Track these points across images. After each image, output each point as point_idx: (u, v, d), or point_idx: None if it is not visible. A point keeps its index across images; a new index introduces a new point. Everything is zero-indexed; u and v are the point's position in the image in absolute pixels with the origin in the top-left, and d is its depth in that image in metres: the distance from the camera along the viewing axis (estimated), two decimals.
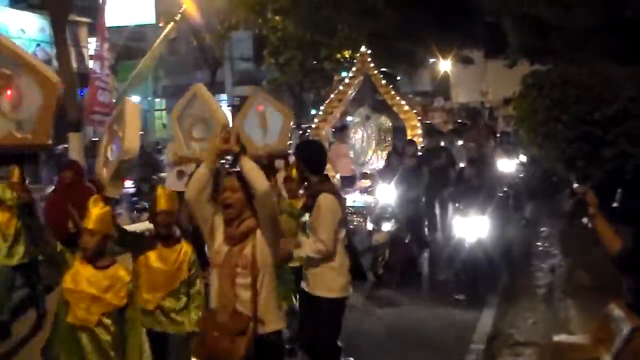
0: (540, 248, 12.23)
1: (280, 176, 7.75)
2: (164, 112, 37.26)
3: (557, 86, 11.78)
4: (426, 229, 12.17)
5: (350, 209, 11.02)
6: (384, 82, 14.15)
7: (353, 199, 11.75)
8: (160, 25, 21.49)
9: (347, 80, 14.12)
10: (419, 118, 15.76)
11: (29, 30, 21.86)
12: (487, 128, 21.70)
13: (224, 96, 36.86)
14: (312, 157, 5.99)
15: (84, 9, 20.70)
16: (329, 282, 5.78)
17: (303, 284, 5.98)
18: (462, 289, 9.41)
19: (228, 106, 37.57)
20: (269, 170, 6.54)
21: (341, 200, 5.96)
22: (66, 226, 7.72)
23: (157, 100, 35.70)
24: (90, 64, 16.54)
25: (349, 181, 13.49)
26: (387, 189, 10.78)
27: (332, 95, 14.34)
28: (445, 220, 12.10)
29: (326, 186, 5.84)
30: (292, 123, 8.72)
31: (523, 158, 15.92)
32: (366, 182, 12.91)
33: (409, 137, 12.98)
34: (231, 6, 20.68)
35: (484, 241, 9.50)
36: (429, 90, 46.70)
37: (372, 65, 14.05)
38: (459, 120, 29.85)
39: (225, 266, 4.45)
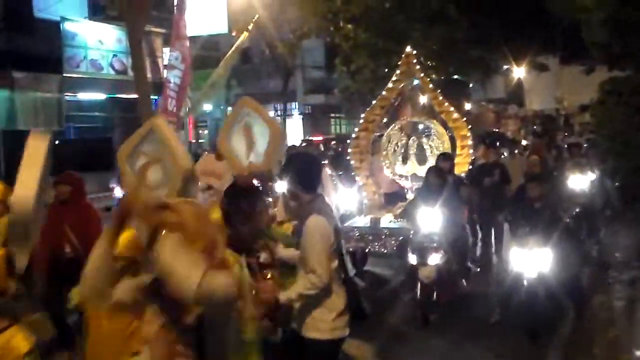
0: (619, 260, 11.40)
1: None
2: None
3: (637, 93, 11.39)
4: (471, 260, 10.86)
5: (385, 231, 10.30)
6: (431, 86, 12.58)
7: (389, 219, 10.79)
8: (234, 34, 21.71)
9: (390, 85, 12.44)
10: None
11: (106, 41, 22.44)
12: (550, 137, 19.72)
13: (295, 104, 37.11)
14: (303, 170, 5.02)
15: (159, 19, 21.15)
16: (317, 321, 4.82)
17: (293, 324, 5.01)
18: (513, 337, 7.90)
19: (300, 114, 37.82)
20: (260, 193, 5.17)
21: (333, 222, 5.05)
22: (62, 249, 7.07)
23: (230, 108, 36.15)
24: (165, 73, 16.83)
25: (394, 198, 12.03)
26: (431, 213, 8.96)
27: (374, 102, 12.76)
28: (500, 250, 11.38)
29: (316, 206, 4.89)
30: (282, 139, 8.23)
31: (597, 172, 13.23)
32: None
33: (458, 148, 11.70)
34: (303, 15, 20.78)
35: (546, 278, 7.87)
36: (503, 98, 45.98)
37: (418, 67, 12.48)
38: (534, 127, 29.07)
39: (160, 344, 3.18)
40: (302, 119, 37.22)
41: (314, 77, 37.03)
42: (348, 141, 14.47)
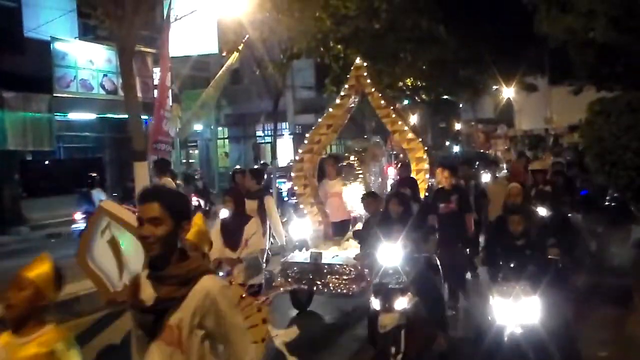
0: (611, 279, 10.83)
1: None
2: (226, 141, 37.73)
3: (625, 113, 11.47)
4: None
5: (326, 267, 9.09)
6: (383, 102, 10.84)
7: (333, 253, 9.58)
8: (224, 55, 21.73)
9: (338, 101, 11.05)
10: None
11: (96, 61, 22.42)
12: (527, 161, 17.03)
13: (285, 125, 37.13)
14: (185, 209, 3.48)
15: (150, 39, 21.16)
16: None
17: None
18: None
19: (290, 134, 37.85)
20: None
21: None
22: None
23: (220, 128, 36.17)
24: (155, 93, 16.83)
25: (342, 228, 10.71)
26: (393, 248, 7.35)
27: (319, 120, 11.35)
28: (465, 293, 9.88)
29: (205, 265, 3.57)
30: None
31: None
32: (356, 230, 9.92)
33: (413, 173, 10.44)
34: (293, 35, 20.81)
35: (534, 331, 6.71)
36: (492, 118, 46.24)
37: (369, 81, 10.85)
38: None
39: None
40: (293, 139, 37.22)
41: (304, 97, 37.10)
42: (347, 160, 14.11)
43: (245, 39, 19.12)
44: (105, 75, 22.72)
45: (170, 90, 15.93)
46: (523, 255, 7.08)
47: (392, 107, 10.89)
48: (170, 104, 15.86)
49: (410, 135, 10.58)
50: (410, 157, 10.61)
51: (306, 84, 36.36)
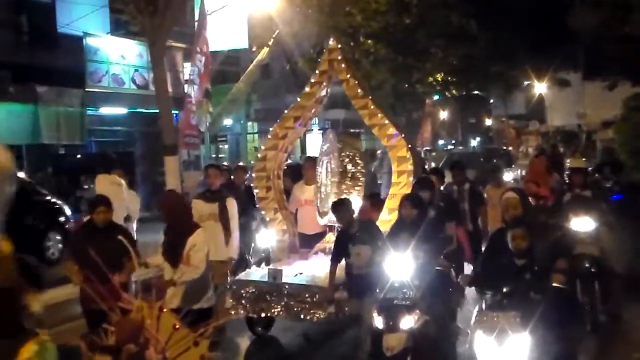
0: None
1: None
2: (256, 136, 37.85)
3: None
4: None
5: (286, 288, 7.69)
6: (360, 91, 9.19)
7: (297, 270, 8.17)
8: (254, 50, 21.82)
9: (307, 89, 9.50)
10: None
11: (128, 56, 22.58)
12: (549, 158, 15.01)
13: (315, 120, 37.10)
14: None
15: (180, 34, 21.26)
16: None
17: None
18: None
19: (319, 129, 37.85)
20: None
21: None
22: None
23: (250, 123, 36.27)
24: (186, 88, 16.92)
25: (315, 242, 9.18)
26: (402, 258, 6.56)
27: (285, 112, 9.72)
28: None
29: None
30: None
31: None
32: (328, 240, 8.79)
33: (394, 175, 8.89)
34: (323, 30, 20.78)
35: None
36: (524, 114, 45.81)
37: (343, 66, 9.29)
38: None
39: None
40: (322, 134, 37.23)
41: (334, 92, 36.77)
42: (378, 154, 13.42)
43: (276, 34, 19.15)
44: (136, 70, 22.89)
45: (198, 86, 15.96)
46: (520, 279, 5.93)
47: (370, 97, 9.28)
48: (201, 98, 15.91)
49: (392, 130, 8.86)
50: (391, 156, 8.90)
51: (336, 79, 36.24)
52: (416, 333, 6.16)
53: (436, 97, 36.81)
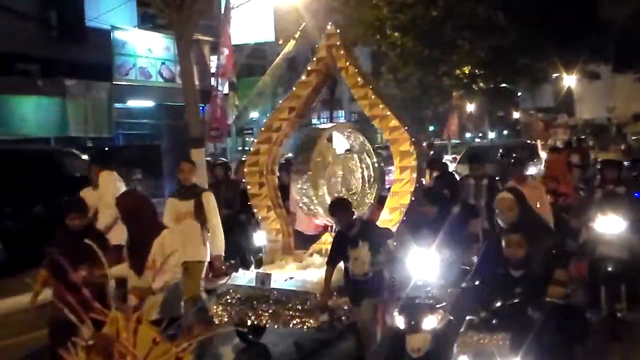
0: None
1: None
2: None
3: None
4: None
5: (275, 294, 7.05)
6: (360, 80, 8.51)
7: (288, 274, 7.52)
8: (280, 43, 21.82)
9: (303, 77, 8.85)
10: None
11: (155, 49, 22.68)
12: (580, 151, 14.27)
13: (341, 112, 37.07)
14: None
15: (207, 28, 21.30)
16: None
17: None
18: None
19: (346, 122, 37.81)
20: None
21: None
22: None
23: None
24: (212, 81, 16.96)
25: (312, 241, 8.59)
26: (424, 254, 6.41)
27: (280, 102, 9.17)
28: None
29: None
30: None
31: None
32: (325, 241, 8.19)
33: (396, 171, 8.16)
34: (350, 23, 20.71)
35: None
36: (552, 106, 45.38)
37: (342, 52, 8.62)
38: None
39: None
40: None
41: None
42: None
43: (302, 27, 19.11)
44: (163, 64, 22.98)
45: (226, 79, 16.00)
46: (516, 293, 5.30)
47: (371, 87, 8.55)
48: (227, 92, 15.95)
49: (394, 122, 8.18)
50: (393, 151, 8.22)
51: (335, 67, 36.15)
52: (439, 334, 5.57)
53: (463, 91, 36.55)
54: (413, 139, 8.14)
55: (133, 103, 23.45)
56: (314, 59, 8.88)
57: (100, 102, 20.90)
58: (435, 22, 25.51)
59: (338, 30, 8.89)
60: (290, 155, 12.24)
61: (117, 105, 21.98)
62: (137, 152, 21.08)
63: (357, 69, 8.63)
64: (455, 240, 6.67)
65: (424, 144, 32.32)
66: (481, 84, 34.31)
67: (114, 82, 21.13)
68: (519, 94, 45.08)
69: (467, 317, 5.49)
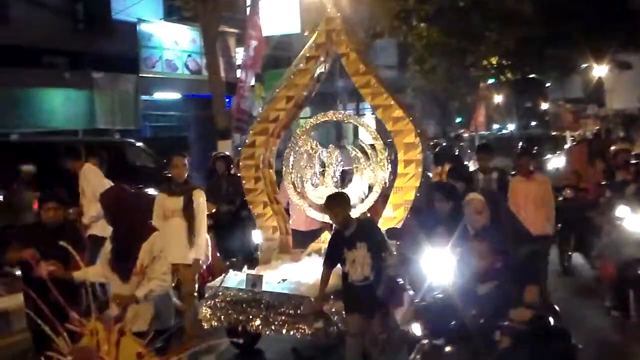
0: None
1: None
2: (309, 120, 37.87)
3: None
4: None
5: (266, 298, 6.56)
6: (362, 67, 7.86)
7: (282, 275, 6.96)
8: (306, 34, 21.69)
9: (301, 65, 8.22)
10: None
11: (181, 42, 22.77)
12: (602, 143, 13.48)
13: (367, 104, 36.91)
14: None
15: (233, 20, 21.30)
16: None
17: None
18: None
19: (372, 114, 37.64)
20: None
21: None
22: None
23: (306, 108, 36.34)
24: (238, 73, 16.97)
25: (311, 239, 8.03)
26: (438, 254, 5.88)
27: (277, 91, 8.51)
28: None
29: None
30: None
31: None
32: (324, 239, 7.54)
33: (400, 165, 7.50)
34: (376, 14, 20.59)
35: None
36: (581, 97, 44.75)
37: (343, 37, 8.02)
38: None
39: None
40: (375, 118, 37.04)
41: (386, 76, 36.63)
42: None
43: None
44: (189, 56, 23.05)
45: (253, 71, 15.99)
46: (479, 314, 4.71)
47: (374, 75, 7.94)
48: (253, 83, 15.94)
49: (398, 112, 7.55)
50: (397, 143, 7.56)
51: (389, 64, 35.99)
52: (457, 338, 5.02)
53: (491, 81, 36.23)
54: (418, 130, 7.52)
55: (159, 95, 23.54)
56: (313, 44, 8.21)
57: (127, 94, 21.00)
58: (462, 13, 25.29)
59: (339, 14, 8.27)
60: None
61: (143, 97, 22.07)
62: (164, 144, 21.12)
63: (359, 55, 8.06)
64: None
65: (452, 134, 32.07)
66: (509, 74, 33.98)
67: (140, 75, 21.23)
68: (548, 84, 44.62)
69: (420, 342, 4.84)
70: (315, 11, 19.97)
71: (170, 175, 7.78)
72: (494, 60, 30.65)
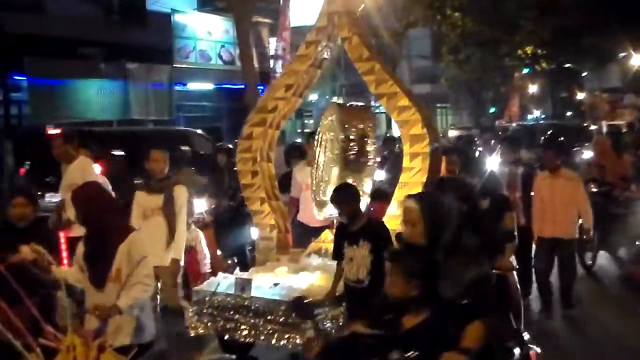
0: None
1: None
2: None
3: None
4: None
5: (256, 303, 5.91)
6: (366, 52, 7.19)
7: (275, 279, 6.37)
8: None
9: (302, 49, 7.65)
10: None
11: (214, 32, 22.88)
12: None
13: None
14: None
15: (266, 10, 21.33)
16: None
17: None
18: None
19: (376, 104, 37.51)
20: None
21: None
22: None
23: (335, 98, 36.25)
24: (271, 63, 17.01)
25: (317, 235, 7.36)
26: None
27: (277, 77, 8.06)
28: None
29: None
30: None
31: None
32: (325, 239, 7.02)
33: (406, 159, 6.78)
34: (409, 4, 20.47)
35: None
36: (619, 87, 44.05)
37: (344, 20, 7.34)
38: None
39: None
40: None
41: (420, 66, 36.59)
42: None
43: (361, 8, 18.92)
44: (222, 46, 23.16)
45: (286, 61, 16.00)
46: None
47: (378, 60, 7.29)
48: None
49: (404, 101, 6.89)
50: (403, 135, 6.97)
51: (422, 53, 35.81)
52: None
53: (525, 71, 35.83)
54: (426, 121, 6.83)
55: (193, 86, 23.69)
56: (313, 28, 7.58)
57: (161, 84, 21.17)
58: (497, 2, 25.02)
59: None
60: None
61: (177, 88, 22.22)
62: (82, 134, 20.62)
63: (362, 40, 7.36)
64: (485, 239, 5.08)
65: (485, 125, 31.67)
66: (544, 64, 33.57)
67: (174, 65, 21.38)
68: (584, 74, 44.00)
69: None
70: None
71: (148, 170, 7.07)
72: (529, 50, 30.30)
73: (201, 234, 7.83)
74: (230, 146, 11.17)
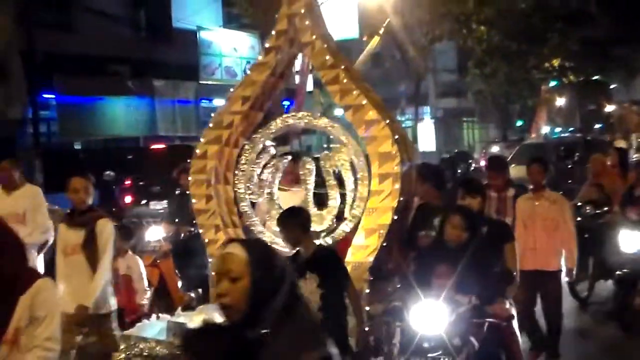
0: None
1: None
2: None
3: None
4: None
5: None
6: (329, 58, 6.34)
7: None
8: (364, 39, 21.68)
9: (261, 57, 6.84)
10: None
11: (240, 48, 22.97)
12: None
13: (427, 109, 36.65)
14: None
15: None
16: None
17: None
18: None
19: (431, 118, 37.35)
20: None
21: None
22: None
23: None
24: (297, 79, 17.01)
25: None
26: (434, 300, 4.56)
27: (231, 90, 7.03)
28: None
29: None
30: None
31: None
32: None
33: (374, 180, 6.01)
34: (435, 18, 20.41)
35: None
36: None
37: (307, 23, 6.47)
38: None
39: None
40: (434, 122, 36.70)
41: (446, 80, 36.48)
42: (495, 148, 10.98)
43: (386, 22, 18.92)
44: (248, 62, 23.21)
45: (311, 75, 16.00)
46: None
47: (343, 67, 6.36)
48: (312, 89, 15.94)
49: (372, 114, 6.10)
50: (370, 153, 6.12)
51: (448, 67, 35.69)
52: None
53: (553, 84, 35.55)
54: (396, 137, 6.00)
55: (219, 102, 23.75)
56: (273, 32, 6.66)
57: (187, 101, 21.31)
58: (524, 15, 24.88)
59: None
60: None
61: (203, 104, 22.34)
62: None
63: (327, 45, 6.48)
64: (482, 279, 4.68)
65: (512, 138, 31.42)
66: (571, 76, 33.29)
67: (200, 82, 21.49)
68: (612, 86, 43.60)
69: None
70: (374, 16, 19.94)
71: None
72: (556, 63, 30.06)
73: (140, 261, 7.14)
74: None
